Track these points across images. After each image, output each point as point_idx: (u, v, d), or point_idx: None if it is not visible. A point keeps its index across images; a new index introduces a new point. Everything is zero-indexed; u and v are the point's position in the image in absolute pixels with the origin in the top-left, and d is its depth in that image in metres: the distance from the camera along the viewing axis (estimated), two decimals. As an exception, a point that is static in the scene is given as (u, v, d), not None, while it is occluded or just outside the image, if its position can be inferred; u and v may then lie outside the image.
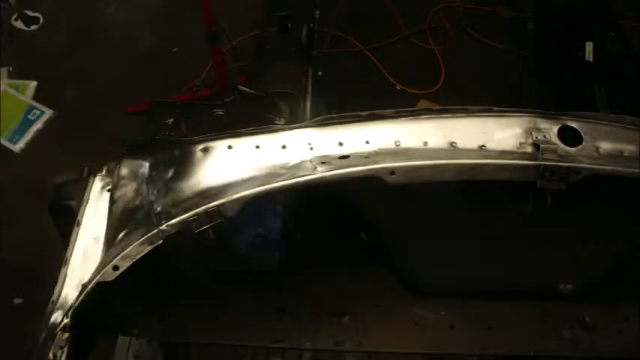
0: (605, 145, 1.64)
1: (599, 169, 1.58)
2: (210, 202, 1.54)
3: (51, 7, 4.28)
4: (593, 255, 2.03)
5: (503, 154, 1.61)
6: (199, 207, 1.54)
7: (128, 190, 1.72)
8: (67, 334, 1.53)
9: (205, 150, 1.68)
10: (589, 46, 2.83)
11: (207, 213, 1.53)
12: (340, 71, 3.57)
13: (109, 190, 1.78)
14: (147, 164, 1.75)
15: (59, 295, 1.63)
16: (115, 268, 1.52)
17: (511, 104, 1.77)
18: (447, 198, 1.84)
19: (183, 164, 1.68)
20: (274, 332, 2.12)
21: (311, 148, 1.64)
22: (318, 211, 2.09)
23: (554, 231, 1.96)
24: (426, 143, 1.63)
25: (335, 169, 1.56)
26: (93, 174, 1.82)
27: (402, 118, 1.69)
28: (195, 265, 2.08)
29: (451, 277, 2.11)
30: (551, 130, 1.65)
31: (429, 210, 1.94)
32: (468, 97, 3.32)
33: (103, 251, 1.65)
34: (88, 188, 1.80)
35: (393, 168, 1.56)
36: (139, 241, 1.53)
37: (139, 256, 1.53)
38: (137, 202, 1.67)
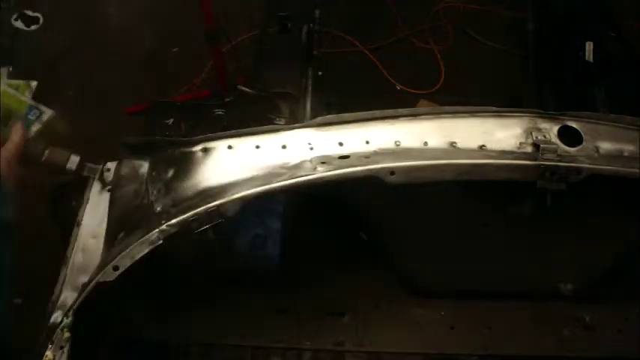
0: (605, 145, 1.64)
1: (599, 169, 1.58)
2: (210, 202, 1.54)
3: (51, 7, 4.27)
4: (593, 255, 2.03)
5: (503, 154, 1.61)
6: (199, 207, 1.54)
7: (128, 190, 1.72)
8: (67, 334, 1.52)
9: (205, 150, 1.68)
10: (589, 46, 2.83)
11: (207, 213, 1.53)
12: (340, 71, 3.56)
13: (109, 190, 1.78)
14: (147, 164, 1.75)
15: (59, 295, 1.63)
16: (115, 268, 1.52)
17: (511, 104, 1.77)
18: (447, 198, 1.84)
19: (184, 164, 1.68)
20: (274, 332, 2.12)
21: (311, 148, 1.64)
22: (318, 211, 2.09)
23: (554, 231, 1.96)
24: (426, 143, 1.63)
25: (335, 169, 1.56)
26: (93, 174, 1.82)
27: (402, 118, 1.69)
28: (195, 265, 2.08)
29: (451, 277, 2.12)
30: (551, 130, 1.65)
31: (429, 210, 1.94)
32: (468, 97, 3.32)
33: (103, 251, 1.65)
34: (88, 188, 1.80)
35: (393, 168, 1.56)
36: (139, 241, 1.53)
37: (138, 256, 1.53)
38: (137, 202, 1.67)
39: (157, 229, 1.53)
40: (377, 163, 1.57)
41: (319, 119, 1.71)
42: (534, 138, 1.62)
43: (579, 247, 2.01)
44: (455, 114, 1.69)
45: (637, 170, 1.58)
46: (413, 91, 3.75)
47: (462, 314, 2.16)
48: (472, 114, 1.69)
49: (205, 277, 2.10)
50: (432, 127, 1.66)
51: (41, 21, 4.23)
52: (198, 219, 1.53)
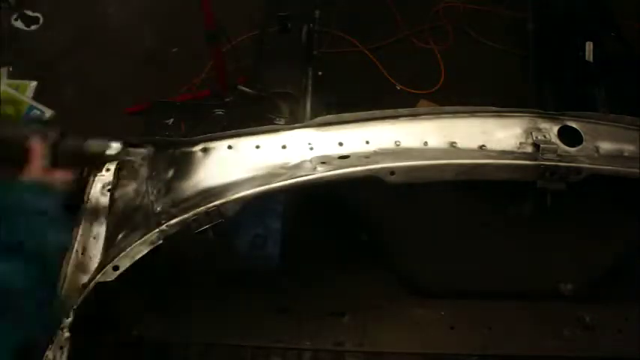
0: (605, 145, 1.64)
1: (599, 169, 1.58)
2: (210, 202, 1.54)
3: (51, 7, 4.27)
4: (593, 255, 2.03)
5: (503, 154, 1.61)
6: (199, 207, 1.54)
7: (128, 190, 1.72)
8: (67, 334, 1.52)
9: (205, 150, 1.68)
10: (589, 46, 2.84)
11: (207, 213, 1.53)
12: (340, 71, 3.56)
13: (109, 190, 1.78)
14: (147, 164, 1.75)
15: (59, 295, 1.63)
16: (115, 268, 1.52)
17: (511, 104, 1.77)
18: (447, 198, 1.84)
19: (184, 164, 1.68)
20: (274, 332, 2.12)
21: (311, 148, 1.64)
22: (318, 211, 2.09)
23: (554, 231, 1.96)
24: (426, 143, 1.63)
25: (335, 169, 1.56)
26: (93, 174, 1.82)
27: (402, 118, 1.69)
28: (195, 265, 2.08)
29: (451, 277, 2.12)
30: (551, 130, 1.65)
31: (429, 210, 1.94)
32: (468, 97, 3.32)
33: (103, 251, 1.65)
34: (88, 188, 1.80)
35: (393, 168, 1.56)
36: (139, 241, 1.53)
37: (138, 256, 1.53)
38: (137, 202, 1.67)
39: (157, 229, 1.53)
40: (377, 163, 1.57)
41: (319, 119, 1.71)
42: (534, 138, 1.62)
43: (579, 247, 2.01)
44: (455, 114, 1.69)
45: (637, 170, 1.58)
46: (413, 91, 3.75)
47: (462, 314, 2.16)
48: (472, 114, 1.69)
49: (205, 277, 2.10)
50: (432, 127, 1.66)
51: (41, 21, 4.23)
52: (198, 219, 1.53)
